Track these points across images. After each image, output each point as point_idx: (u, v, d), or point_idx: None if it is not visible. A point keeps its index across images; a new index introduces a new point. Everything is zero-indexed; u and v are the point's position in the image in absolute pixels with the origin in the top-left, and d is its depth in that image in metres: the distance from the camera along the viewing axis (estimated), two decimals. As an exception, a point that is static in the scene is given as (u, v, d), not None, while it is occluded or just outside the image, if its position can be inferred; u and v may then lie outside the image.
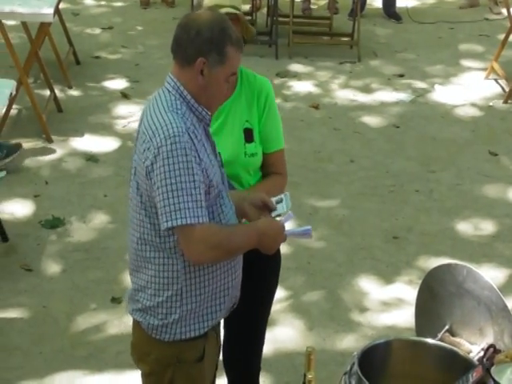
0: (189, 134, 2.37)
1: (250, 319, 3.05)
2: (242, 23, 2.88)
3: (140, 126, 2.47)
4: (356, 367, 2.63)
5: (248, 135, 2.97)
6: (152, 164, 2.35)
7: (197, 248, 2.38)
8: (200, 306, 2.56)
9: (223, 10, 2.80)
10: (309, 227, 2.73)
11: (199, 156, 2.41)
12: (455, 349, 2.99)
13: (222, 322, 2.84)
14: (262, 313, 3.15)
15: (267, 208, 2.73)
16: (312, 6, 7.65)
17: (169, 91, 2.43)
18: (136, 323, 2.60)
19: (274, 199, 2.78)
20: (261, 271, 3.02)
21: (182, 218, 2.33)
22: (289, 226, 2.71)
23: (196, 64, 2.36)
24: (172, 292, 2.52)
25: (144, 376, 2.68)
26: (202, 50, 2.37)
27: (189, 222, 2.32)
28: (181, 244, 2.41)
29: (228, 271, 2.60)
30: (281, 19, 6.80)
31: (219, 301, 2.60)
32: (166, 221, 2.33)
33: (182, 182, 2.35)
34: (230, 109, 2.94)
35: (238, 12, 2.90)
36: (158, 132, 2.34)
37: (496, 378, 2.67)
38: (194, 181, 2.36)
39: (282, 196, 2.81)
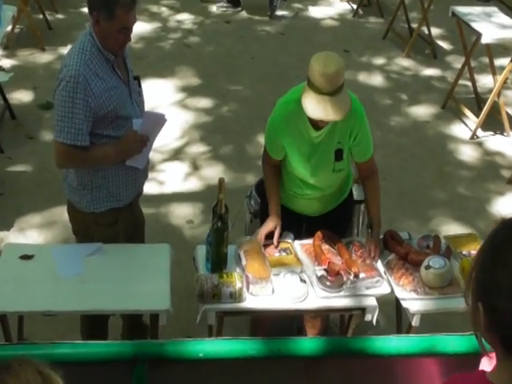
0: (85, 76, 2.46)
1: None
2: None
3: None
4: (253, 191, 3.09)
5: (338, 155, 2.77)
6: (55, 90, 2.55)
7: (59, 160, 2.62)
8: (105, 192, 2.72)
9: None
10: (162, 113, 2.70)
11: (92, 91, 2.48)
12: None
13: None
14: None
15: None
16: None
17: (85, 34, 2.57)
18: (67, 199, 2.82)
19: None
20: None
21: (64, 138, 2.51)
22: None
23: (93, 15, 2.53)
24: (85, 181, 2.69)
25: (74, 233, 2.91)
26: (95, 6, 2.54)
27: (69, 143, 2.50)
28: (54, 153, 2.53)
29: (126, 172, 2.73)
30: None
31: (122, 189, 2.75)
32: (56, 136, 2.53)
33: (68, 112, 2.48)
34: (328, 131, 2.72)
35: None
36: (64, 69, 2.51)
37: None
38: (77, 113, 2.46)
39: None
